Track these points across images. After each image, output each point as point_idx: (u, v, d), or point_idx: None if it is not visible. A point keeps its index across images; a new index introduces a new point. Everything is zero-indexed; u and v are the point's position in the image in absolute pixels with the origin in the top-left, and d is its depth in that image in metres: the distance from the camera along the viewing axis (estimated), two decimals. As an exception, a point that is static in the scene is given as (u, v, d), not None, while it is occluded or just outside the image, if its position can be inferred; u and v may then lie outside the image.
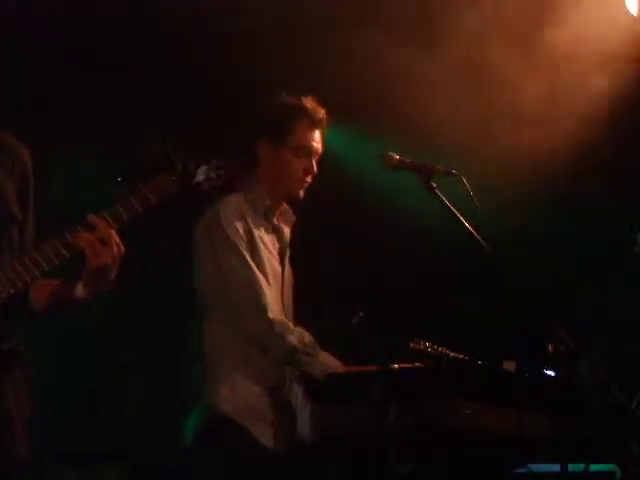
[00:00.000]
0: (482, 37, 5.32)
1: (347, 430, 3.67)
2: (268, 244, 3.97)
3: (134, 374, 5.38)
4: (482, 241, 3.59)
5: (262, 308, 3.79)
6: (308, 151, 3.99)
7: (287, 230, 4.10)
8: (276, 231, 4.04)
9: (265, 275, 3.87)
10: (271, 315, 3.80)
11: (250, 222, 3.90)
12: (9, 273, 2.63)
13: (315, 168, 4.01)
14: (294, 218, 4.12)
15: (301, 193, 4.02)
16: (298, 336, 3.81)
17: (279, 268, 4.00)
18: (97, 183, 4.76)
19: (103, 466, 5.13)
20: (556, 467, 3.51)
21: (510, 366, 3.86)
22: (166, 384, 5.16)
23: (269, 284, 3.87)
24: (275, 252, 4.01)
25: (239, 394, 3.79)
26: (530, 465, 4.07)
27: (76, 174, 4.86)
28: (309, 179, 4.01)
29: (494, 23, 5.29)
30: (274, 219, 4.03)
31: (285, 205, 4.09)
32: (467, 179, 3.64)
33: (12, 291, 2.62)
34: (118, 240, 2.72)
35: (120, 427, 5.29)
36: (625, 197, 5.62)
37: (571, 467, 3.47)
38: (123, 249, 2.73)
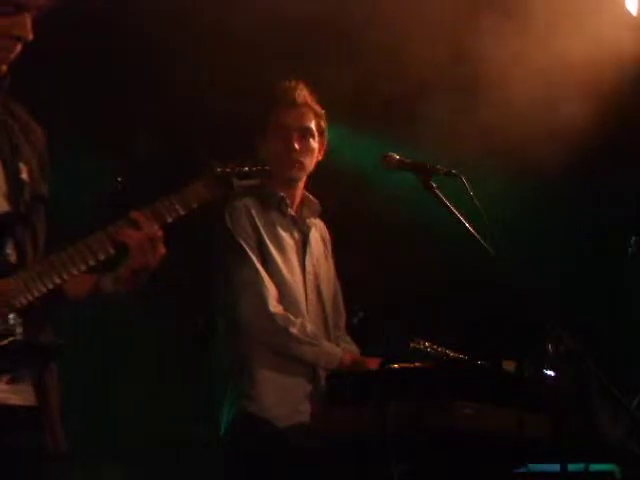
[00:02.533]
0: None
1: (347, 430, 3.66)
2: (284, 237, 3.98)
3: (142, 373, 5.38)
4: (482, 241, 3.59)
5: (263, 303, 3.81)
6: (287, 129, 3.97)
7: (313, 221, 4.12)
8: (295, 222, 4.05)
9: (276, 271, 3.88)
10: (272, 309, 3.81)
11: (259, 219, 3.91)
12: (55, 262, 2.57)
13: (298, 144, 3.97)
14: (320, 209, 4.12)
15: (295, 172, 4.00)
16: (300, 327, 3.82)
17: (296, 261, 4.00)
18: (95, 182, 4.76)
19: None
20: (556, 467, 3.50)
21: (510, 366, 3.86)
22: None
23: (284, 279, 3.89)
24: (293, 244, 4.02)
25: (265, 390, 3.81)
26: (530, 465, 4.07)
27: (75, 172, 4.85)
28: (297, 156, 3.98)
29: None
30: (289, 210, 4.03)
31: (308, 195, 4.09)
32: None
33: (58, 281, 2.57)
34: (162, 241, 2.68)
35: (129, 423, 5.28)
36: (624, 197, 5.63)
37: (571, 467, 3.47)
38: (164, 251, 2.70)
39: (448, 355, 3.89)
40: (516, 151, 5.37)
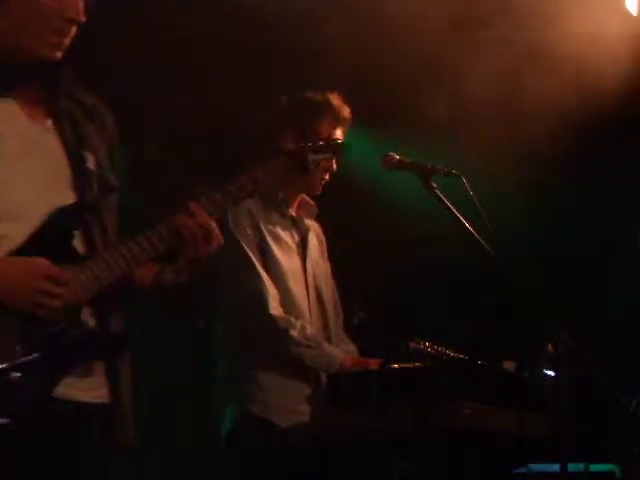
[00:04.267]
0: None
1: (347, 430, 3.66)
2: (284, 238, 3.98)
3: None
4: (482, 241, 3.59)
5: (263, 305, 3.80)
6: None
7: (310, 222, 4.12)
8: (294, 223, 4.05)
9: (279, 273, 3.88)
10: (272, 311, 3.81)
11: (260, 219, 3.91)
12: (123, 251, 2.55)
13: (335, 166, 4.01)
14: (317, 211, 4.14)
15: (319, 189, 4.03)
16: (300, 330, 3.82)
17: (297, 260, 4.00)
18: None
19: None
20: (556, 467, 3.50)
21: (510, 366, 3.86)
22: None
23: (287, 280, 3.89)
24: (293, 244, 4.02)
25: (267, 391, 3.81)
26: (530, 465, 4.07)
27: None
28: (327, 176, 4.02)
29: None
30: (289, 211, 4.04)
31: (305, 197, 4.10)
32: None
33: (126, 270, 2.56)
34: (218, 231, 2.66)
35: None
36: (624, 196, 5.63)
37: (571, 467, 3.47)
38: (222, 242, 2.68)
39: (448, 355, 3.89)
40: (516, 151, 5.37)
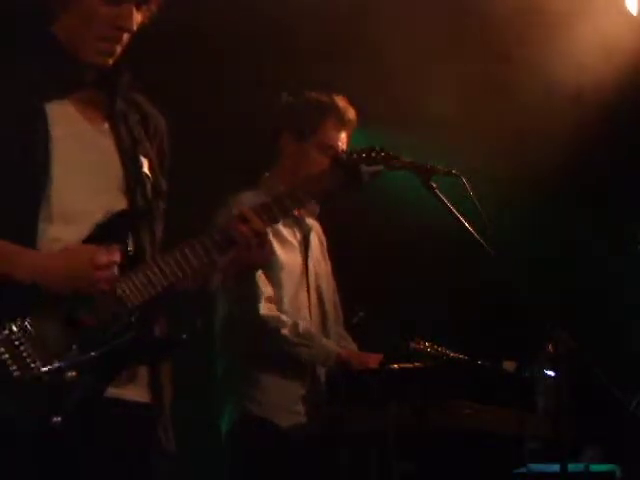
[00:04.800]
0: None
1: (348, 430, 3.67)
2: (286, 237, 3.98)
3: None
4: (483, 241, 3.59)
5: (254, 305, 3.79)
6: (334, 152, 3.93)
7: (311, 222, 4.11)
8: (296, 222, 4.04)
9: (280, 271, 3.88)
10: (263, 311, 3.80)
11: None
12: (178, 258, 2.55)
13: None
14: (318, 210, 4.12)
15: None
16: (292, 328, 3.81)
17: (299, 259, 3.99)
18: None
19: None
20: (556, 467, 3.50)
21: (510, 366, 3.86)
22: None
23: (288, 278, 3.89)
24: (296, 243, 4.01)
25: (266, 391, 3.81)
26: (530, 465, 4.07)
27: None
28: None
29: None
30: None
31: None
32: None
33: (175, 278, 2.55)
34: (270, 239, 2.66)
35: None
36: (624, 195, 5.63)
37: (571, 467, 3.47)
38: (274, 250, 2.67)
39: (448, 355, 3.89)
40: (516, 153, 5.37)
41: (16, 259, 2.44)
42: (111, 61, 2.61)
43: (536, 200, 5.61)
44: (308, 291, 3.99)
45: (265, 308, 3.81)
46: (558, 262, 5.64)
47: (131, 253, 2.55)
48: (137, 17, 2.59)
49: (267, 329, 3.80)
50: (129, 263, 2.53)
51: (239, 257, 2.63)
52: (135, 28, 2.59)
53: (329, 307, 4.06)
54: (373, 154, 2.86)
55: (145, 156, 2.69)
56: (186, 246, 2.58)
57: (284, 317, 3.84)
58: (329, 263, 4.19)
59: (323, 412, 3.79)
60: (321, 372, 3.91)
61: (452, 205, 3.63)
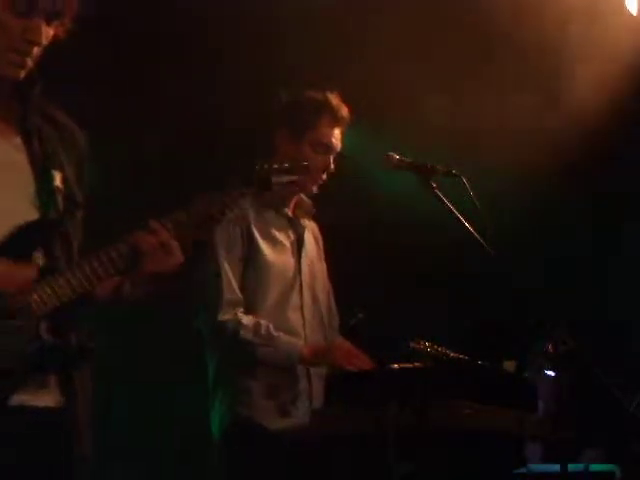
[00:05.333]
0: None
1: (347, 430, 3.66)
2: (279, 237, 3.96)
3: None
4: (483, 241, 3.59)
5: (212, 312, 3.77)
6: (327, 148, 3.96)
7: (307, 222, 4.10)
8: (291, 223, 4.03)
9: (267, 273, 3.85)
10: (222, 317, 3.77)
11: (252, 219, 3.89)
12: (85, 269, 2.58)
13: (332, 166, 4.00)
14: (314, 210, 4.11)
15: (315, 189, 4.01)
16: (253, 329, 3.78)
17: (292, 260, 3.98)
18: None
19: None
20: (556, 467, 3.51)
21: (510, 366, 3.86)
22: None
23: (274, 281, 3.87)
24: (288, 244, 4.00)
25: (253, 394, 3.80)
26: (530, 465, 4.07)
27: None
28: (325, 176, 4.00)
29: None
30: (286, 210, 4.02)
31: (302, 197, 4.08)
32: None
33: (87, 287, 2.58)
34: (178, 249, 2.68)
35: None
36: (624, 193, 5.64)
37: (571, 467, 3.47)
38: (182, 259, 2.70)
39: (448, 355, 3.89)
40: (517, 152, 5.37)
41: None
42: (23, 73, 2.61)
43: (536, 199, 5.61)
44: (301, 292, 3.97)
45: (224, 313, 3.78)
46: (558, 262, 5.64)
47: (41, 264, 2.59)
48: (48, 31, 2.59)
49: (226, 334, 3.78)
50: (42, 274, 2.57)
51: (144, 266, 2.66)
52: (45, 42, 2.60)
53: (323, 309, 4.04)
54: (287, 165, 2.89)
55: (59, 170, 2.70)
56: (94, 257, 2.61)
57: (245, 320, 3.79)
58: (325, 264, 4.18)
59: (323, 413, 3.78)
60: (314, 372, 3.89)
61: (452, 204, 3.64)
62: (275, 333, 3.80)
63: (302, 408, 3.83)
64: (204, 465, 4.27)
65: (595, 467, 4.15)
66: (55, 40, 2.63)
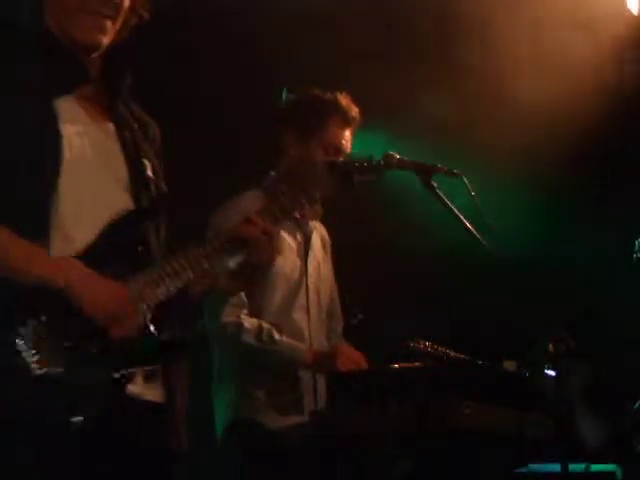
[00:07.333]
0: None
1: (347, 430, 3.66)
2: (287, 239, 3.95)
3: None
4: (483, 241, 3.59)
5: (215, 313, 3.75)
6: (337, 149, 3.93)
7: (314, 224, 4.09)
8: (298, 225, 4.02)
9: (271, 274, 3.84)
10: (224, 319, 3.76)
11: None
12: (182, 261, 2.57)
13: None
14: (321, 212, 4.08)
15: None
16: (255, 332, 3.78)
17: (298, 262, 3.97)
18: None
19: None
20: (556, 467, 3.50)
21: (510, 366, 3.86)
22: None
23: (279, 282, 3.87)
24: (295, 246, 3.99)
25: (254, 393, 3.80)
26: (530, 465, 4.07)
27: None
28: None
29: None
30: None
31: None
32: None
33: (186, 281, 2.56)
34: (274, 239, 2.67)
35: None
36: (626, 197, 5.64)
37: (571, 467, 3.47)
38: (278, 251, 2.70)
39: (448, 355, 3.89)
40: (517, 152, 5.37)
41: (64, 265, 2.43)
42: (104, 40, 2.60)
43: (537, 200, 5.62)
44: (307, 293, 3.96)
45: (227, 315, 3.77)
46: (558, 262, 5.64)
47: (141, 251, 2.57)
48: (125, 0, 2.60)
49: (227, 336, 3.77)
50: (138, 262, 2.54)
51: (251, 257, 2.64)
52: (124, 6, 2.60)
53: (325, 312, 4.04)
54: (366, 164, 2.88)
55: (149, 160, 2.71)
56: (195, 248, 2.59)
57: (247, 323, 3.79)
58: (332, 268, 4.16)
59: (324, 413, 3.78)
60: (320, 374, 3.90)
61: (453, 204, 3.64)
62: (277, 337, 3.80)
63: (308, 408, 3.83)
64: (205, 465, 4.27)
65: (595, 467, 4.15)
66: (137, 17, 2.64)
